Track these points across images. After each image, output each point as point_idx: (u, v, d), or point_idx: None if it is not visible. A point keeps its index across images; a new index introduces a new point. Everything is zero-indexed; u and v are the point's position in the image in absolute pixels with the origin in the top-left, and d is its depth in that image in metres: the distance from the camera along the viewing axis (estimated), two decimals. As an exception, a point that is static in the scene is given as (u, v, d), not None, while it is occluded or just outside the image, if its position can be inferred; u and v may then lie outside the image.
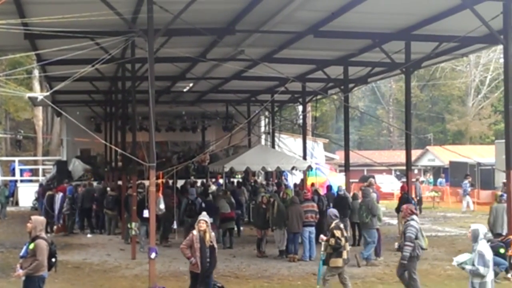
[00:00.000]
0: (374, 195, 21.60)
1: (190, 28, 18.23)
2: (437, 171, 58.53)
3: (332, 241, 14.63)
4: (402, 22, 20.69)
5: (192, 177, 34.83)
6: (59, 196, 27.81)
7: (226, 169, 28.70)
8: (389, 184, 49.60)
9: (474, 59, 65.50)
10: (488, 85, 68.83)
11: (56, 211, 27.69)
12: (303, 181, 31.69)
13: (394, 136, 75.74)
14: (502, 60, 32.29)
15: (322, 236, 15.47)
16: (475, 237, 10.83)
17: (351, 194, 24.47)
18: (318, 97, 38.19)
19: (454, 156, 45.88)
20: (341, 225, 15.12)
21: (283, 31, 21.00)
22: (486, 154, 50.58)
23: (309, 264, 19.72)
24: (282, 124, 47.98)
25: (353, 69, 27.80)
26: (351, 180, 29.41)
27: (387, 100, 77.46)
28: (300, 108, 41.38)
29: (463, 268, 10.92)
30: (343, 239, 14.70)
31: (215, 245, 13.55)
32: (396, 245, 15.06)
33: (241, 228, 26.66)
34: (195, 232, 13.31)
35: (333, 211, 16.04)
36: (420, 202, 36.55)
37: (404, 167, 27.20)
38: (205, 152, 37.64)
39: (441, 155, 58.37)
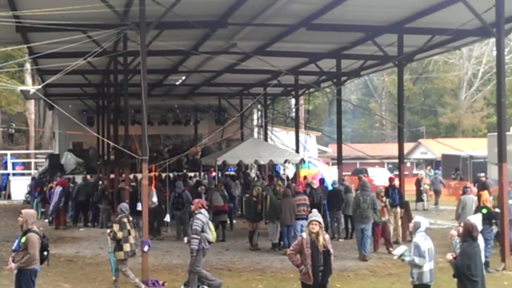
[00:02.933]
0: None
1: (182, 21, 18.23)
2: (429, 164, 58.73)
3: (111, 233, 15.21)
4: (394, 15, 20.71)
5: (185, 170, 34.79)
6: (58, 189, 27.67)
7: (219, 162, 28.66)
8: (382, 177, 49.64)
9: (467, 52, 65.69)
10: (480, 78, 69.07)
11: (53, 204, 27.53)
12: (296, 174, 31.71)
13: (386, 129, 75.92)
14: (495, 53, 32.39)
15: None
16: (415, 229, 11.05)
17: (344, 187, 24.53)
18: (311, 90, 38.33)
19: (447, 149, 46.10)
20: (125, 219, 15.26)
21: (276, 24, 20.99)
22: (478, 147, 50.70)
23: (301, 257, 19.75)
24: (274, 117, 48.03)
25: (346, 62, 27.86)
26: (343, 173, 29.46)
27: (379, 93, 77.63)
28: (293, 101, 41.48)
29: (403, 260, 11.08)
30: (123, 232, 15.00)
31: (331, 250, 11.26)
32: (185, 239, 15.52)
33: (234, 221, 26.67)
34: (304, 235, 11.12)
35: (124, 205, 16.20)
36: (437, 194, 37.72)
37: (396, 160, 27.27)
38: (198, 145, 37.62)
39: (433, 148, 58.52)
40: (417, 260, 10.77)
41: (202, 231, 14.59)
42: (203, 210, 15.01)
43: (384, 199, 20.88)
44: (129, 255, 15.22)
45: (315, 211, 11.71)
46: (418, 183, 35.81)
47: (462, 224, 11.13)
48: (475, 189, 20.88)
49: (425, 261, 10.81)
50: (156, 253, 19.46)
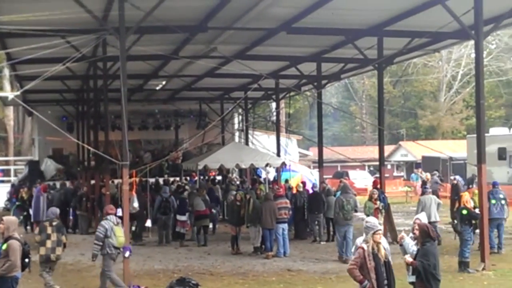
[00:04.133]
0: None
1: (162, 26, 18.21)
2: (410, 166, 59.00)
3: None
4: (374, 18, 20.79)
5: (166, 175, 34.72)
6: (39, 195, 27.38)
7: (200, 167, 28.64)
8: (363, 179, 49.84)
9: (446, 55, 65.99)
10: (459, 80, 69.43)
11: (35, 210, 27.18)
12: (276, 178, 31.78)
13: (367, 132, 76.17)
14: (473, 55, 32.60)
15: None
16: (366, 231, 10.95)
17: (324, 190, 24.60)
18: (292, 93, 38.36)
19: (427, 151, 46.32)
20: (47, 223, 15.40)
21: (256, 28, 21.00)
22: (458, 149, 51.03)
23: (283, 260, 19.78)
24: (255, 121, 48.10)
25: (326, 65, 28.00)
26: (324, 176, 29.53)
27: (360, 96, 77.83)
28: (274, 105, 41.57)
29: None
30: (41, 236, 15.14)
31: (391, 261, 10.59)
32: None
33: (216, 225, 26.63)
34: (365, 246, 10.24)
35: (52, 209, 16.49)
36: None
37: (377, 163, 27.40)
38: (178, 150, 37.55)
39: (413, 150, 58.74)
40: None
41: (106, 236, 15.05)
42: (109, 217, 15.52)
43: (378, 202, 20.89)
44: (43, 258, 15.33)
45: (373, 219, 11.29)
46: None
47: (415, 226, 11.19)
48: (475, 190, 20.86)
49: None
50: (138, 259, 19.38)
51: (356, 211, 20.79)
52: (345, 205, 20.03)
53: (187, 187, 29.52)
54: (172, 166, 37.24)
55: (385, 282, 10.11)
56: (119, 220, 16.00)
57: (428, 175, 37.38)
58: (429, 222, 18.50)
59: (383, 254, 10.20)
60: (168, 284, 15.37)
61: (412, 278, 11.22)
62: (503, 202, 20.97)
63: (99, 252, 15.30)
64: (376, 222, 10.84)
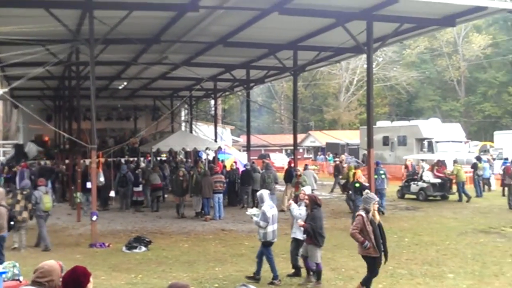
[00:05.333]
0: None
1: (124, 38, 17.97)
2: (316, 150, 59.85)
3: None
4: (291, 35, 20.96)
5: (126, 156, 34.25)
6: (27, 171, 26.52)
7: (154, 150, 28.41)
8: (281, 160, 50.26)
9: (345, 65, 66.82)
10: (355, 85, 70.43)
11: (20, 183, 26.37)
12: (214, 158, 31.77)
13: (285, 123, 76.54)
14: (365, 66, 33.25)
15: None
16: (261, 199, 11.31)
17: (252, 168, 24.72)
18: (226, 93, 38.41)
19: (330, 138, 47.03)
20: (18, 191, 14.83)
21: (199, 41, 20.95)
22: (353, 137, 51.95)
23: (218, 222, 19.81)
24: (198, 114, 47.88)
25: (254, 71, 28.08)
26: (251, 157, 29.70)
27: (279, 96, 78.13)
28: (212, 102, 41.51)
29: (252, 218, 11.41)
30: (12, 200, 14.52)
31: (381, 222, 10.01)
32: None
33: (165, 195, 26.46)
34: (363, 213, 9.72)
35: (25, 182, 16.56)
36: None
37: (292, 147, 27.68)
38: (136, 136, 37.07)
39: (320, 137, 59.43)
40: (262, 223, 11.01)
41: (37, 203, 14.84)
42: (40, 187, 15.38)
43: (301, 178, 20.67)
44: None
45: (369, 192, 11.01)
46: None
47: (305, 197, 11.39)
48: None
49: (269, 224, 11.04)
50: (103, 222, 19.10)
51: (276, 183, 21.22)
52: (266, 179, 20.83)
53: (142, 164, 29.29)
54: (131, 149, 36.69)
55: (381, 241, 9.68)
56: (48, 190, 16.10)
57: (343, 156, 38.07)
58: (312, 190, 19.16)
59: (378, 219, 9.74)
60: (127, 241, 15.28)
61: (295, 234, 11.52)
62: (383, 176, 21.98)
63: (36, 214, 14.95)
64: (374, 195, 10.50)
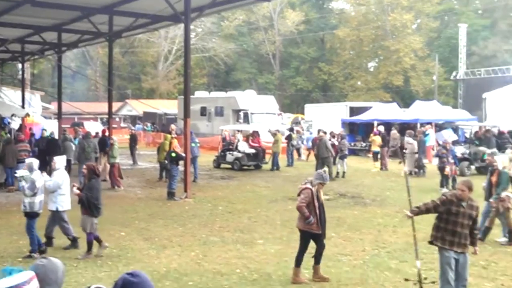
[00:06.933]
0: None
1: None
2: (133, 119, 59.10)
3: None
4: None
5: None
6: None
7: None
8: (95, 128, 48.74)
9: (164, 33, 66.37)
10: (174, 54, 70.39)
11: None
12: (21, 126, 30.07)
13: (100, 91, 74.20)
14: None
15: None
16: (30, 168, 11.03)
17: (62, 136, 23.88)
18: (36, 57, 36.33)
19: (147, 108, 46.72)
20: None
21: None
22: (171, 107, 52.12)
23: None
24: (3, 78, 44.68)
25: (66, 35, 26.96)
26: (63, 126, 28.57)
27: (95, 62, 75.55)
28: (20, 65, 39.11)
29: (20, 181, 10.99)
30: None
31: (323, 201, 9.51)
32: None
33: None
34: (309, 186, 9.19)
35: None
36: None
37: (107, 116, 27.09)
38: None
39: (137, 106, 58.85)
40: (27, 191, 10.73)
41: None
42: None
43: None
44: None
45: (325, 170, 10.34)
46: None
47: (84, 166, 11.38)
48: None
49: (36, 194, 10.80)
50: None
51: (96, 152, 21.17)
52: (86, 148, 20.66)
53: None
54: None
55: (324, 219, 9.29)
56: None
57: (173, 125, 37.73)
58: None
59: (322, 197, 9.36)
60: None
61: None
62: (198, 145, 23.03)
63: None
64: (328, 176, 10.10)
